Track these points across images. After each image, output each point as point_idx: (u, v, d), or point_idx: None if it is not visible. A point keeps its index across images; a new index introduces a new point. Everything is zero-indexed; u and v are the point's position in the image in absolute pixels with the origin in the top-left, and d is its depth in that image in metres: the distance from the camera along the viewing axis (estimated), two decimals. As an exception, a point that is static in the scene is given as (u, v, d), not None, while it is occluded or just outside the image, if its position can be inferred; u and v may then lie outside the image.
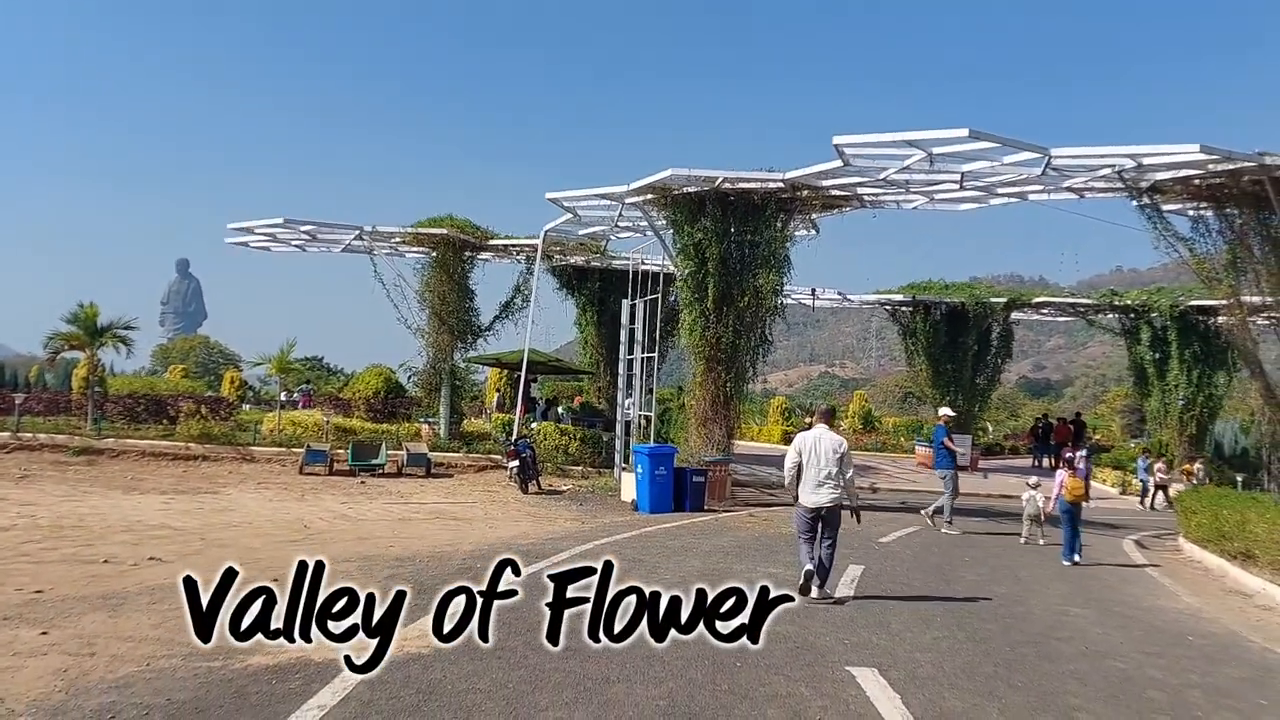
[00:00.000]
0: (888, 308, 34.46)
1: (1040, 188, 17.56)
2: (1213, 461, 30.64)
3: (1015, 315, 34.28)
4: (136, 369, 55.84)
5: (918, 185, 18.17)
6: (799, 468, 9.76)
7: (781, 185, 18.56)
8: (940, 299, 32.39)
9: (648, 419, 22.34)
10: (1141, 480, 26.07)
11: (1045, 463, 36.34)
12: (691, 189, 19.26)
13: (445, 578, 10.18)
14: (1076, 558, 13.56)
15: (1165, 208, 16.76)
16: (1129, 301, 30.77)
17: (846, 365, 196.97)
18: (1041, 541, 15.81)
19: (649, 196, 19.91)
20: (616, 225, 22.98)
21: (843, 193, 18.95)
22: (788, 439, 39.55)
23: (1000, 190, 17.98)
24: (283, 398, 42.61)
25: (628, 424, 22.28)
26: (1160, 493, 26.04)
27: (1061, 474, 14.33)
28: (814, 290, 30.98)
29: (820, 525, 9.69)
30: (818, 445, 9.72)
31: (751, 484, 24.50)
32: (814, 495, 9.63)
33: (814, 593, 9.56)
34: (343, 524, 15.14)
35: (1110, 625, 9.51)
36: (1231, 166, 14.32)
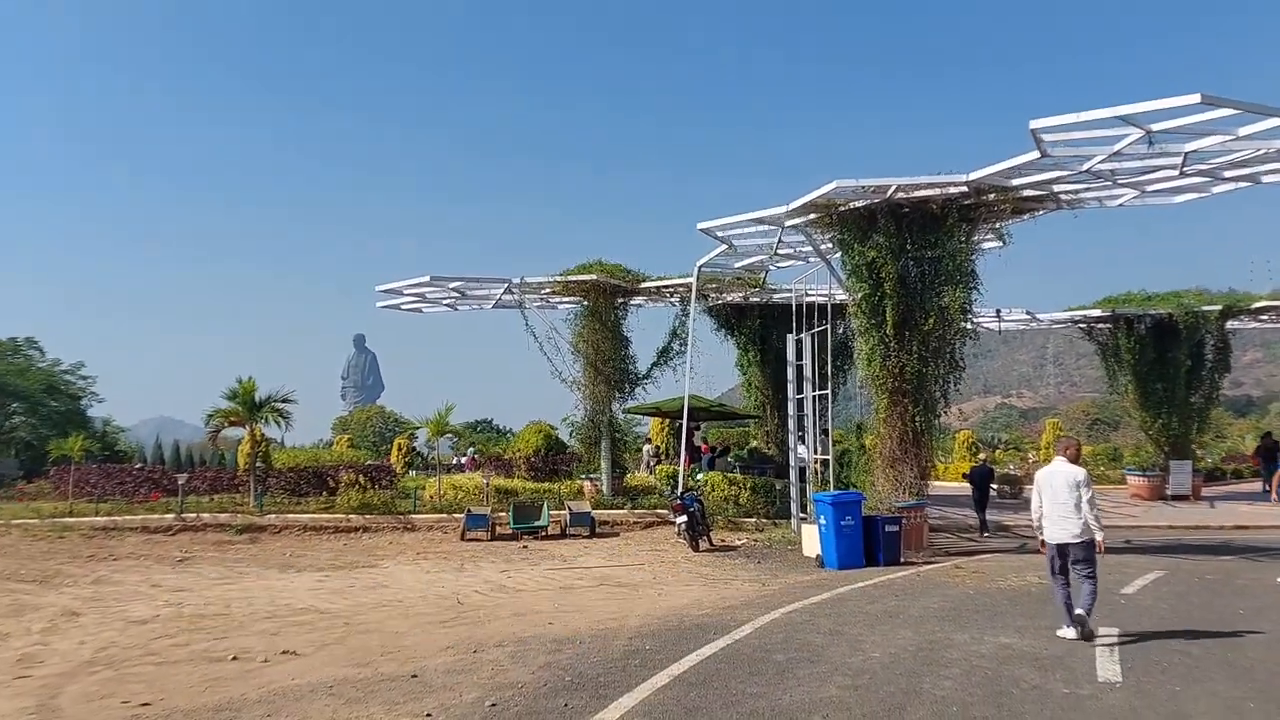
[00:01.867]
0: (1082, 325, 31.21)
1: (1278, 166, 14.79)
2: None
3: (1230, 325, 30.48)
4: (315, 442, 57.37)
5: (1127, 175, 15.65)
6: (1041, 505, 9.65)
7: (964, 190, 16.38)
8: (1144, 311, 29.00)
9: (825, 463, 20.28)
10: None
11: (1272, 485, 32.10)
12: (859, 203, 17.30)
13: (609, 665, 8.51)
14: None
15: None
16: (1372, 298, 26.76)
17: (1024, 395, 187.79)
18: None
19: (811, 216, 18.06)
20: (776, 253, 21.16)
21: (1037, 192, 16.56)
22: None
23: (1228, 174, 15.27)
24: (454, 462, 42.56)
25: (802, 470, 20.27)
26: None
27: None
28: (998, 311, 28.20)
29: (1071, 562, 9.45)
30: (1053, 479, 9.56)
31: (947, 528, 22.01)
32: (1056, 531, 9.47)
33: (1080, 632, 9.23)
34: (500, 596, 13.73)
35: None
36: None
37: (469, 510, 21.77)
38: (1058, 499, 9.41)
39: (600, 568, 16.56)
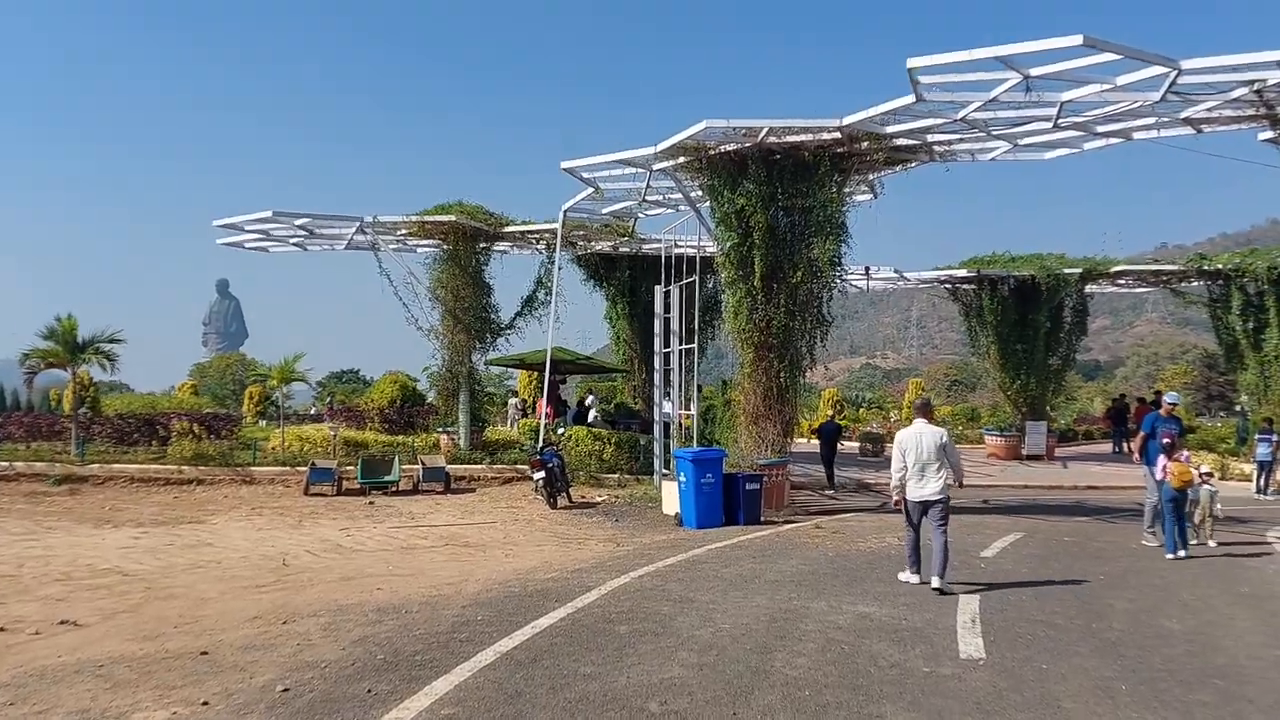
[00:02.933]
0: (947, 286, 31.37)
1: (1150, 121, 14.61)
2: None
3: (1089, 289, 31.11)
4: (168, 389, 54.09)
5: (1001, 126, 15.26)
6: (905, 465, 9.90)
7: (838, 136, 15.74)
8: (1008, 273, 29.26)
9: (690, 419, 19.66)
10: (1262, 461, 22.79)
11: (1125, 448, 33.23)
12: (730, 146, 16.49)
13: (432, 639, 7.56)
14: (1183, 552, 12.05)
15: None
16: (1220, 265, 27.48)
17: (888, 356, 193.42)
18: (1212, 544, 13.03)
19: (681, 160, 17.18)
20: (645, 199, 20.25)
21: (910, 141, 16.04)
22: (842, 434, 36.70)
23: (1101, 128, 15.04)
24: (311, 412, 40.56)
25: (667, 425, 19.59)
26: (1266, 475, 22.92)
27: (1162, 460, 12.32)
28: (867, 269, 28.03)
29: (929, 515, 9.86)
30: (920, 440, 9.86)
31: (810, 486, 21.75)
32: (921, 489, 9.83)
33: (935, 582, 9.55)
34: (333, 558, 12.58)
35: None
36: None
37: (313, 463, 20.37)
38: (925, 459, 9.79)
39: (449, 526, 15.53)
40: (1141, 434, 13.54)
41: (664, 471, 18.52)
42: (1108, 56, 11.22)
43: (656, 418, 19.82)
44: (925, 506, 9.83)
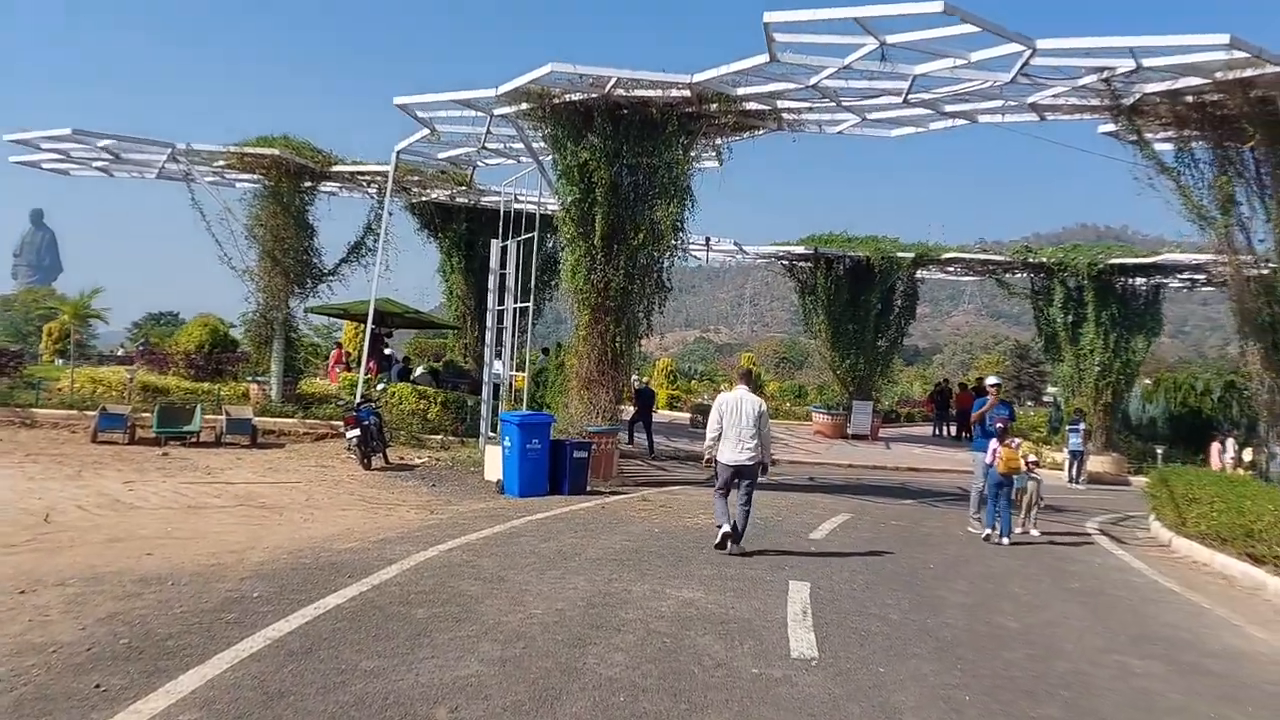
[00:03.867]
0: (785, 261, 31.47)
1: (997, 104, 14.54)
2: (1119, 431, 28.90)
3: (919, 274, 31.81)
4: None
5: (852, 97, 14.90)
6: (721, 429, 10.08)
7: (687, 95, 15.05)
8: (844, 252, 29.53)
9: (522, 381, 18.77)
10: (1073, 451, 23.75)
11: (945, 431, 34.34)
12: (576, 96, 15.57)
13: (194, 619, 6.50)
14: (1005, 539, 12.25)
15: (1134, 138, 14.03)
16: (1044, 259, 28.47)
17: (721, 330, 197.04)
18: (1035, 532, 13.18)
19: (524, 107, 16.14)
20: (484, 146, 19.08)
21: (760, 106, 15.50)
22: (673, 404, 36.65)
23: (949, 108, 14.89)
24: (120, 354, 37.42)
25: (496, 387, 18.64)
26: (1078, 465, 23.97)
27: (993, 444, 12.45)
28: (708, 239, 27.72)
29: (739, 482, 10.10)
30: (739, 406, 10.08)
31: (638, 455, 21.27)
32: (736, 454, 9.99)
33: (730, 549, 9.97)
34: (106, 515, 11.12)
35: (1203, 694, 6.50)
36: (1249, 74, 11.53)
37: (104, 408, 18.43)
38: (742, 424, 9.98)
39: (247, 484, 14.16)
40: (977, 413, 13.51)
41: (490, 435, 17.60)
42: (967, 28, 10.89)
43: (486, 378, 18.85)
44: (737, 471, 10.01)
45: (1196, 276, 28.49)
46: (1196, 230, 13.66)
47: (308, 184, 22.32)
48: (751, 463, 10.00)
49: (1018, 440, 12.74)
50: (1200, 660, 7.25)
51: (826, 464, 23.42)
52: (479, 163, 21.71)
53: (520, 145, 18.20)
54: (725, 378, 50.11)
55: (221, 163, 22.00)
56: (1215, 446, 24.55)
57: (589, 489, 15.02)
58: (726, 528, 10.01)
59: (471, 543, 9.95)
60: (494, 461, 15.30)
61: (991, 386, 13.85)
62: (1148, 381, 35.48)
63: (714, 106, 15.39)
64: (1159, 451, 26.43)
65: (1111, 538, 13.96)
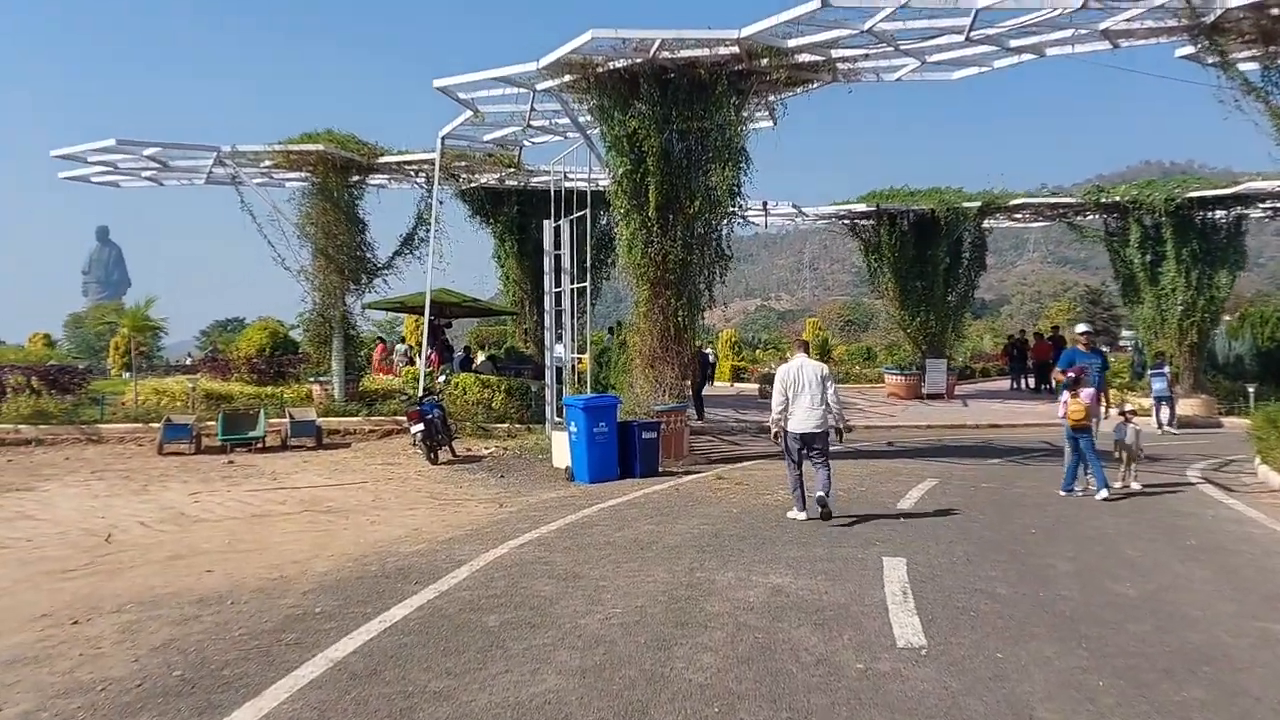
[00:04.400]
0: (846, 221, 30.48)
1: (1067, 34, 13.58)
2: (1206, 372, 27.55)
3: (986, 224, 30.63)
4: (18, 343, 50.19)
5: (910, 39, 14.04)
6: (787, 399, 10.08)
7: (735, 51, 14.30)
8: (907, 207, 28.43)
9: (585, 363, 18.30)
10: (1158, 396, 22.65)
11: (1023, 384, 33.21)
12: (620, 63, 14.92)
13: (252, 643, 6.11)
14: (1103, 493, 11.66)
15: (1214, 59, 13.01)
16: (1117, 198, 27.12)
17: (782, 298, 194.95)
18: (1136, 485, 12.45)
19: (566, 79, 15.54)
20: (529, 124, 18.52)
21: (813, 57, 14.67)
22: (739, 376, 35.98)
23: (1015, 43, 13.95)
24: (188, 363, 37.84)
25: (559, 370, 18.19)
26: (1169, 409, 22.85)
27: (1065, 395, 11.83)
28: (765, 204, 26.88)
29: (810, 451, 10.04)
30: (800, 374, 10.09)
31: (709, 431, 20.70)
32: (803, 422, 9.99)
33: (821, 514, 9.91)
34: (169, 530, 10.87)
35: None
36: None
37: (168, 419, 18.37)
38: (808, 391, 9.99)
39: (312, 487, 13.90)
40: (1060, 372, 12.77)
41: (556, 420, 17.16)
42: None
43: (548, 362, 18.41)
44: (806, 440, 10.02)
45: (1279, 204, 27.03)
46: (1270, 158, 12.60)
47: (355, 178, 22.01)
48: (820, 430, 10.01)
49: (1088, 390, 11.90)
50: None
51: (904, 426, 22.61)
52: (526, 142, 21.17)
53: (566, 121, 17.60)
54: (790, 345, 49.27)
55: (268, 163, 21.80)
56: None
57: (661, 470, 14.49)
58: (802, 516, 10.08)
59: (543, 536, 9.50)
60: (561, 448, 14.86)
61: (1082, 334, 13.04)
62: (1229, 318, 33.82)
63: (764, 62, 14.61)
64: (1250, 390, 25.12)
65: (1218, 485, 13.08)
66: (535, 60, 15.08)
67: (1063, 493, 11.92)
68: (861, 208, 28.85)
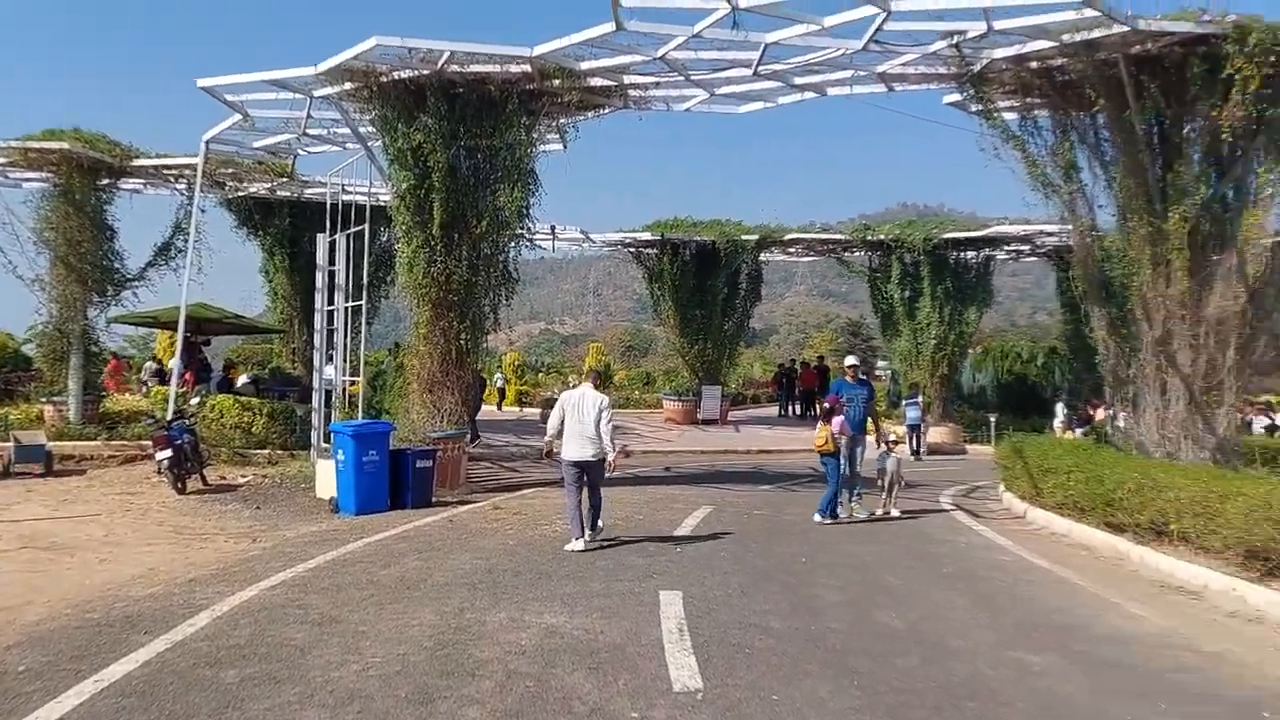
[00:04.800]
0: (631, 249, 30.82)
1: (846, 74, 14.08)
2: (954, 402, 29.52)
3: (763, 256, 31.70)
4: None
5: (700, 70, 14.15)
6: (562, 424, 10.30)
7: (527, 70, 13.97)
8: (690, 237, 29.08)
9: (357, 387, 17.33)
10: (912, 425, 23.99)
11: (791, 411, 34.51)
12: (406, 73, 14.26)
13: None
14: (823, 519, 12.16)
15: (977, 108, 13.86)
16: (882, 236, 28.79)
17: (566, 322, 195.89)
18: (896, 511, 12.93)
19: (348, 87, 14.72)
20: (305, 132, 17.45)
21: (605, 81, 14.57)
22: (523, 400, 35.52)
23: (799, 80, 14.33)
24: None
25: (328, 394, 17.14)
26: (918, 437, 24.24)
27: (838, 419, 12.17)
28: (554, 228, 26.66)
29: (585, 478, 10.28)
30: (581, 402, 10.28)
31: (489, 458, 20.14)
32: (579, 451, 10.18)
33: (588, 541, 10.11)
34: None
35: (1110, 691, 5.99)
36: (1095, 35, 11.35)
37: None
38: (583, 420, 10.18)
39: (36, 520, 12.34)
40: (829, 400, 13.13)
41: (323, 447, 16.10)
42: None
43: (317, 384, 17.31)
44: (582, 469, 10.21)
45: (1022, 248, 29.44)
46: (1040, 200, 13.51)
47: (105, 181, 20.10)
48: (595, 459, 10.22)
49: (839, 419, 12.31)
50: (1094, 649, 6.81)
51: (680, 451, 22.88)
52: (301, 151, 19.98)
53: (346, 130, 16.72)
54: (574, 369, 49.21)
55: (2, 160, 19.60)
56: (1060, 409, 25.57)
57: (435, 500, 13.82)
58: (580, 545, 10.02)
59: (299, 576, 8.72)
60: (327, 477, 13.93)
61: (850, 366, 13.47)
62: (974, 351, 36.53)
63: (557, 83, 14.33)
64: (992, 419, 27.11)
65: (967, 511, 13.82)
66: (313, 65, 14.21)
67: (828, 521, 12.16)
68: (647, 236, 29.24)
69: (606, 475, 10.52)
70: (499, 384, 36.17)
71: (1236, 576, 8.46)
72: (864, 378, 13.90)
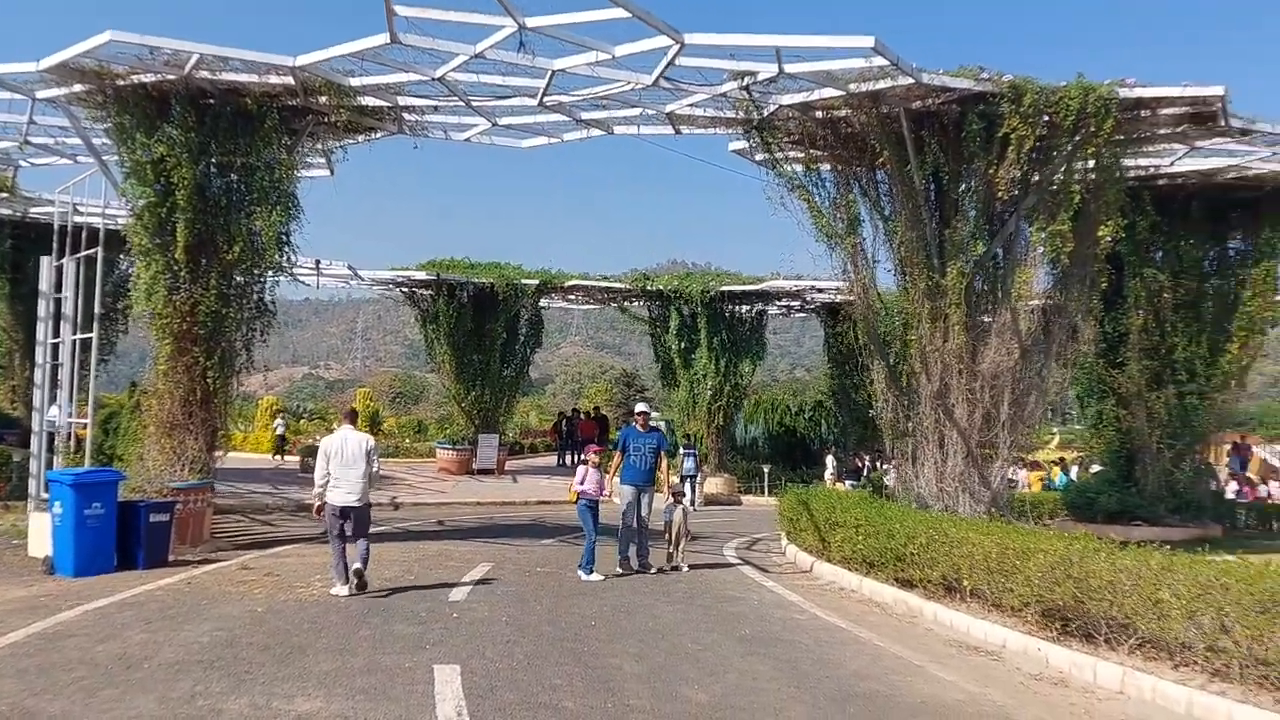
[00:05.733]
0: (405, 288, 29.45)
1: (635, 112, 13.74)
2: (729, 453, 29.87)
3: (543, 302, 31.15)
4: None
5: (483, 96, 13.38)
6: (328, 472, 9.97)
7: (290, 82, 12.75)
8: (467, 279, 28.07)
9: (85, 430, 15.24)
10: (686, 475, 23.88)
11: (571, 460, 33.90)
12: (149, 78, 12.69)
13: None
14: (582, 573, 11.61)
15: (762, 156, 13.90)
16: (660, 287, 28.90)
17: (332, 367, 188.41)
18: (685, 566, 12.47)
19: (78, 89, 12.99)
20: (27, 140, 15.39)
21: (379, 102, 13.53)
22: (281, 447, 33.13)
23: (586, 115, 13.85)
24: None
25: (51, 437, 14.98)
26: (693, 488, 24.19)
27: (582, 471, 12.16)
28: (318, 262, 24.98)
29: (351, 524, 9.96)
30: (345, 446, 10.00)
31: (240, 509, 18.29)
32: (345, 496, 9.90)
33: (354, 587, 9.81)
34: None
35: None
36: (881, 86, 11.50)
37: None
38: (349, 465, 9.91)
39: None
40: (618, 453, 12.61)
41: (42, 498, 13.96)
42: (616, 13, 9.77)
43: (37, 426, 15.10)
44: (347, 514, 9.93)
45: (794, 303, 30.39)
46: (824, 252, 13.62)
47: None
48: (360, 504, 10.00)
49: (585, 472, 12.02)
50: None
51: (455, 504, 21.71)
52: (24, 162, 17.69)
53: (77, 140, 14.84)
54: (337, 416, 46.70)
55: None
56: (830, 461, 26.23)
57: (173, 559, 12.12)
58: (345, 590, 9.79)
59: (-12, 657, 7.14)
60: (42, 533, 11.99)
61: (639, 414, 12.92)
62: (747, 403, 37.38)
63: (324, 99, 13.21)
64: (765, 470, 27.55)
65: (754, 565, 13.52)
66: (37, 60, 12.43)
67: (593, 576, 11.58)
68: (421, 275, 28.05)
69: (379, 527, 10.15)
70: (278, 430, 33.76)
71: (1034, 635, 8.39)
72: (655, 426, 13.44)
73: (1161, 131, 13.21)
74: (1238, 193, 16.62)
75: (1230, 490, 22.38)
